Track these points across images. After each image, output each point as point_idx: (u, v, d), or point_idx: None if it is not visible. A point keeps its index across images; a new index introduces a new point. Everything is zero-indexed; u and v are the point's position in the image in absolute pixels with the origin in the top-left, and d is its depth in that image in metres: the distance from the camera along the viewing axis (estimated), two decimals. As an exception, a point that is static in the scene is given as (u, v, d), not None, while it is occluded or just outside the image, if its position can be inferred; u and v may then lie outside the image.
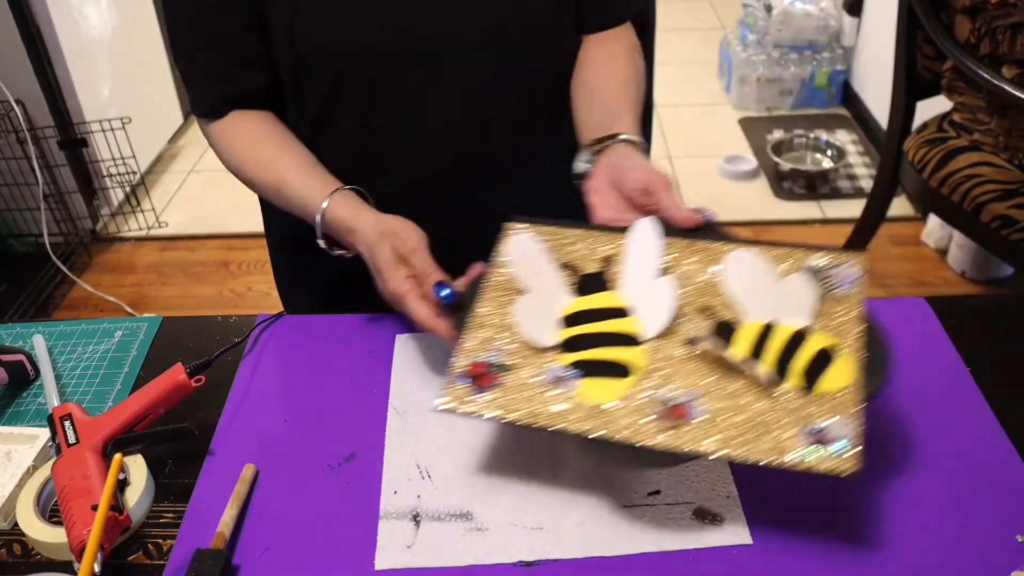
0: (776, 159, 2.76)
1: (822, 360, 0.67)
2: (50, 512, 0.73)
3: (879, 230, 2.30)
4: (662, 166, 0.81)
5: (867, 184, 2.68)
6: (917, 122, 2.04)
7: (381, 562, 0.67)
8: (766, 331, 0.70)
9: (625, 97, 0.91)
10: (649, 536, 0.68)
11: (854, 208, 2.48)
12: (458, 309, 0.75)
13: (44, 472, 0.74)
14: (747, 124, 3.11)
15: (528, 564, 0.67)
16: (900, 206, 2.54)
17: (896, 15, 1.95)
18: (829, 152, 2.82)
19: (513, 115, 0.94)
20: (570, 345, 0.72)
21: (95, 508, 0.66)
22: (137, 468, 0.74)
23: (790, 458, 0.60)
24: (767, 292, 0.73)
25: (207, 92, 0.93)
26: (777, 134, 2.95)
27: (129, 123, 2.45)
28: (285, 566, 0.68)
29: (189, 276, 2.46)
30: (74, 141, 2.43)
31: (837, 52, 3.12)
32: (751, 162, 2.82)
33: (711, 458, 0.62)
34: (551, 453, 0.75)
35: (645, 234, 0.77)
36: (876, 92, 2.92)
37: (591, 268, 0.78)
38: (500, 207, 0.82)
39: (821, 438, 0.61)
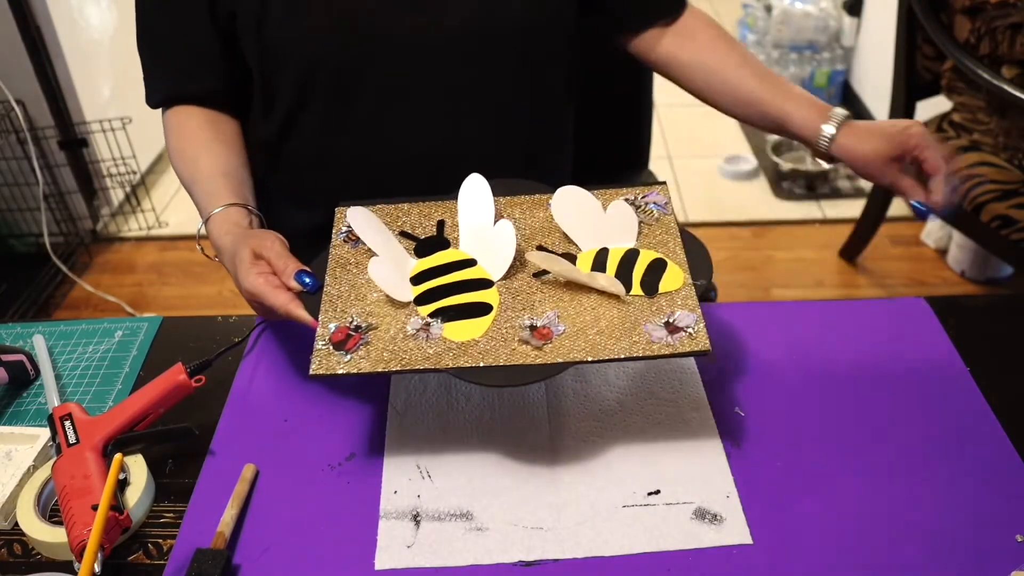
0: (776, 159, 2.76)
1: (655, 269, 0.76)
2: (50, 512, 0.73)
3: (879, 230, 2.30)
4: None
5: (867, 184, 2.68)
6: (917, 122, 2.04)
7: (381, 562, 0.67)
8: (601, 256, 0.79)
9: (775, 78, 0.93)
10: (649, 536, 0.68)
11: (854, 208, 2.47)
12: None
13: (44, 472, 0.74)
14: (747, 124, 3.11)
15: (528, 564, 0.67)
16: (900, 206, 2.53)
17: (896, 15, 1.95)
18: (829, 152, 2.81)
19: (487, 114, 0.93)
20: (425, 299, 0.76)
21: (95, 508, 0.66)
22: (137, 468, 0.74)
23: (655, 348, 0.69)
24: (595, 221, 0.81)
25: (159, 86, 0.94)
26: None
27: (129, 123, 2.45)
28: (285, 566, 0.68)
29: (189, 276, 2.46)
30: (74, 141, 2.42)
31: (837, 52, 3.12)
32: (751, 162, 2.82)
33: (590, 360, 0.69)
34: (551, 453, 0.76)
35: (474, 189, 0.83)
36: (876, 92, 2.92)
37: (426, 232, 0.83)
38: None
39: (672, 328, 0.70)
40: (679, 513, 0.70)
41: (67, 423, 0.75)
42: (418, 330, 0.72)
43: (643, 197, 0.84)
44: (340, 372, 0.69)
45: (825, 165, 0.96)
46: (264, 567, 0.68)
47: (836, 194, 2.68)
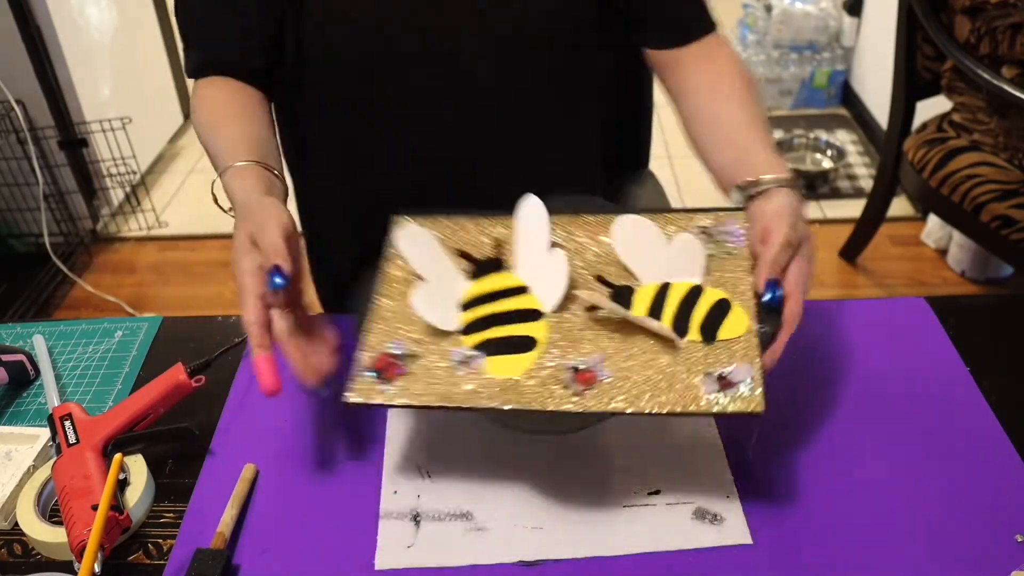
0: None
1: (718, 312, 0.70)
2: (50, 512, 0.73)
3: (879, 230, 2.30)
4: (802, 224, 0.72)
5: (867, 184, 2.68)
6: (917, 122, 2.05)
7: (381, 562, 0.67)
8: (662, 292, 0.73)
9: (756, 126, 0.84)
10: (649, 536, 0.68)
11: (854, 208, 2.47)
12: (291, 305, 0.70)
13: (44, 472, 0.74)
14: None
15: (528, 564, 0.67)
16: (900, 206, 2.54)
17: (896, 15, 1.95)
18: (829, 152, 2.82)
19: (519, 119, 0.94)
20: (472, 328, 0.73)
21: (95, 508, 0.66)
22: (137, 468, 0.74)
23: (700, 405, 0.63)
24: (658, 254, 0.75)
25: (197, 55, 0.91)
26: (777, 134, 2.95)
27: (129, 123, 2.45)
28: (285, 566, 0.68)
29: (189, 276, 2.46)
30: (74, 141, 2.42)
31: (837, 52, 3.12)
32: (751, 162, 2.81)
33: (627, 412, 0.64)
34: (552, 453, 0.76)
35: (531, 212, 0.78)
36: (876, 92, 2.92)
37: (484, 253, 0.79)
38: (503, 206, 0.82)
39: (725, 383, 0.64)
40: (679, 513, 0.70)
41: (67, 423, 0.75)
42: (460, 362, 0.70)
43: (719, 226, 0.76)
44: (375, 403, 0.67)
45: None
46: (264, 567, 0.68)
47: (836, 194, 2.68)
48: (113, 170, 2.52)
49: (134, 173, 2.57)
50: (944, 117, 1.97)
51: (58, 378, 0.87)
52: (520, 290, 0.76)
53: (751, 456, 0.74)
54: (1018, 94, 1.63)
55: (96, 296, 2.36)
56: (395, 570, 0.67)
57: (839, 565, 0.66)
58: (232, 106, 0.88)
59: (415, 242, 0.78)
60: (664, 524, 0.69)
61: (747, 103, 0.86)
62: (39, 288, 2.31)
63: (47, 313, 2.30)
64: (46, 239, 2.32)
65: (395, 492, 0.73)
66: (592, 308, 0.72)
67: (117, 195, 2.63)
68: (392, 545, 0.68)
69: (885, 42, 2.08)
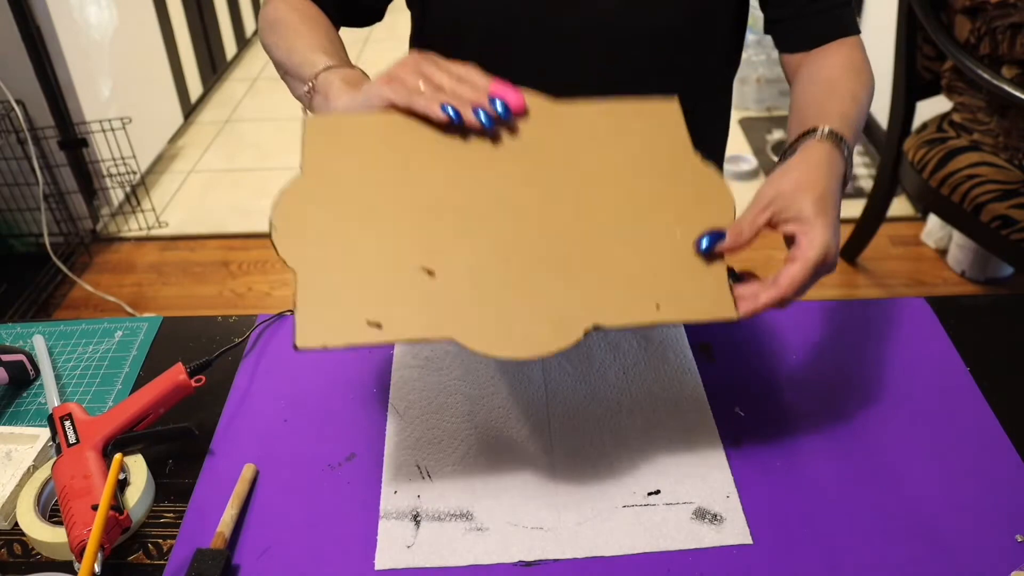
0: (776, 159, 2.76)
1: None
2: (50, 512, 0.73)
3: (879, 230, 2.30)
4: (814, 182, 0.69)
5: (867, 184, 2.68)
6: (917, 122, 2.05)
7: (381, 562, 0.67)
8: None
9: (833, 93, 0.83)
10: (649, 536, 0.68)
11: (854, 208, 2.47)
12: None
13: (44, 472, 0.74)
14: (747, 124, 3.11)
15: (528, 564, 0.67)
16: (900, 206, 2.54)
17: (896, 15, 1.95)
18: (829, 152, 2.81)
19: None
20: None
21: (95, 508, 0.66)
22: (137, 468, 0.74)
23: None
24: None
25: None
26: (777, 134, 2.95)
27: (129, 123, 2.45)
28: (285, 566, 0.68)
29: (189, 276, 2.46)
30: (74, 141, 2.42)
31: (837, 52, 3.11)
32: (751, 162, 2.81)
33: None
34: (551, 453, 0.76)
35: None
36: (876, 92, 2.92)
37: None
38: None
39: None
40: (679, 513, 0.70)
41: (67, 423, 0.75)
42: None
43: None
44: None
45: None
46: (264, 567, 0.68)
47: (836, 194, 2.68)
48: (113, 170, 2.52)
49: (134, 173, 2.57)
50: (944, 117, 1.97)
51: (58, 378, 0.87)
52: None
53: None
54: (1018, 94, 1.63)
55: (96, 296, 2.36)
56: (395, 570, 0.67)
57: (839, 565, 0.66)
58: (305, 14, 0.87)
59: None
60: (664, 524, 0.69)
61: (846, 81, 0.86)
62: (39, 288, 2.31)
63: (47, 313, 2.30)
64: (46, 239, 2.32)
65: (395, 492, 0.73)
66: None
67: (117, 195, 2.63)
68: (392, 545, 0.68)
69: (885, 42, 2.07)
